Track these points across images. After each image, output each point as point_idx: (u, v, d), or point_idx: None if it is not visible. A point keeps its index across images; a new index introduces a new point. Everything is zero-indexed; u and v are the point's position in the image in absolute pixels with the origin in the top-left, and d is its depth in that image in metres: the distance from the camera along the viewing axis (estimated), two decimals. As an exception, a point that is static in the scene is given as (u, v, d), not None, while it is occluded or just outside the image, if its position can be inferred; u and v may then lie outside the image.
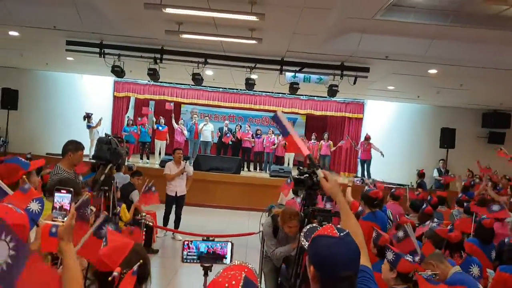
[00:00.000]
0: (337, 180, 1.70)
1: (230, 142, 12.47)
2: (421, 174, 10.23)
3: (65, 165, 4.04)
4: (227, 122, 13.24)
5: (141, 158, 11.85)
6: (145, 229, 5.43)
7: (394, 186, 7.82)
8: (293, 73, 8.14)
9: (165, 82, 12.73)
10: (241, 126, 12.98)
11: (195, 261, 2.16)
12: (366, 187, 4.97)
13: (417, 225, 4.63)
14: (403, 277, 2.41)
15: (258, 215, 5.31)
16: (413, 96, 10.69)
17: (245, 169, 12.23)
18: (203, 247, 2.13)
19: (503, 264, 3.28)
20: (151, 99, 13.99)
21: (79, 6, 5.89)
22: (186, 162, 7.08)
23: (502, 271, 3.13)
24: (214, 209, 9.75)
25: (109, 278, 1.31)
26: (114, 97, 13.38)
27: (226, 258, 2.20)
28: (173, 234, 7.01)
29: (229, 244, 2.22)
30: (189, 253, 2.14)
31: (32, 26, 6.72)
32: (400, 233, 3.70)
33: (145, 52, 7.74)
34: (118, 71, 7.95)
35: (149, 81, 12.45)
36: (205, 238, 2.20)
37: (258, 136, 12.52)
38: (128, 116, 12.95)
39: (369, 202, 4.11)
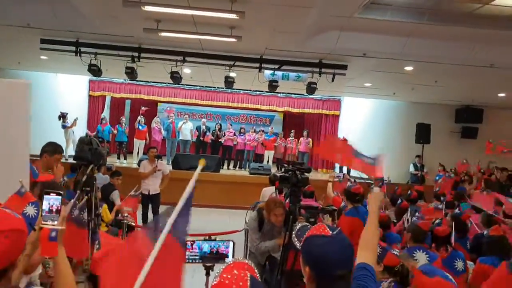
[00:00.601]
0: (380, 195, 1.80)
1: (210, 141, 12.41)
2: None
3: (39, 166, 3.90)
4: (204, 120, 13.14)
5: (118, 158, 11.61)
6: (127, 229, 5.34)
7: (372, 182, 7.98)
8: (271, 71, 8.17)
9: (142, 81, 12.50)
10: (221, 125, 12.93)
11: (197, 261, 2.14)
12: (349, 183, 5.05)
13: (394, 221, 4.76)
14: (389, 270, 2.48)
15: (239, 213, 5.31)
16: (389, 92, 10.94)
17: (225, 167, 12.20)
18: (206, 247, 2.11)
19: (481, 256, 3.41)
20: (128, 98, 13.72)
21: (54, 3, 5.71)
22: (158, 160, 7.04)
23: (481, 263, 3.25)
24: (193, 208, 9.64)
25: None
26: (90, 96, 13.02)
27: (228, 257, 2.19)
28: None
29: (231, 243, 2.21)
30: (191, 254, 2.12)
31: (4, 23, 6.46)
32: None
33: (122, 51, 7.59)
34: (95, 70, 7.76)
35: (125, 79, 12.22)
36: (207, 238, 2.18)
37: (242, 134, 12.52)
38: (104, 116, 12.64)
39: (351, 198, 4.18)
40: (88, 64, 7.67)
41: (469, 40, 6.27)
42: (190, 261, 2.15)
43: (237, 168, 12.47)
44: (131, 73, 7.91)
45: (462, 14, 5.51)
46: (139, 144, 11.63)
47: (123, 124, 11.83)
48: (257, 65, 7.93)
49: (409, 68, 7.79)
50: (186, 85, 12.72)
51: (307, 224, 1.79)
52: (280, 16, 5.46)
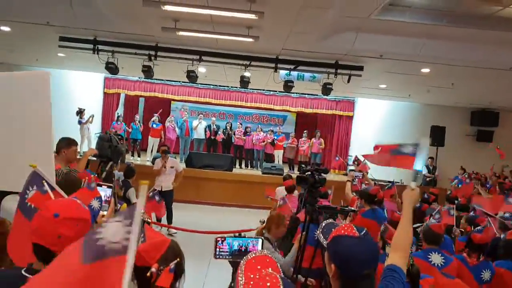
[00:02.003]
0: (415, 193, 1.74)
1: (221, 140, 12.47)
2: None
3: (59, 163, 3.98)
4: (214, 119, 13.19)
5: (132, 155, 11.76)
6: (142, 226, 5.42)
7: (385, 183, 7.94)
8: (287, 71, 8.18)
9: (156, 79, 12.62)
10: (231, 124, 12.97)
11: (227, 257, 2.18)
12: (363, 185, 5.04)
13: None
14: None
15: (253, 212, 5.33)
16: (404, 94, 10.85)
17: (237, 166, 12.25)
18: (236, 245, 2.14)
19: (498, 259, 3.39)
20: (142, 96, 13.87)
21: (73, 1, 5.80)
22: (167, 156, 7.11)
23: (497, 267, 3.24)
24: (206, 205, 9.74)
25: (147, 274, 1.32)
26: (104, 93, 13.21)
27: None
28: (168, 229, 7.01)
29: (260, 240, 2.24)
30: (221, 250, 2.16)
31: (25, 21, 6.59)
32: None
33: (139, 49, 7.68)
34: (112, 68, 7.87)
35: (140, 77, 12.36)
36: (236, 235, 2.21)
37: (248, 134, 12.55)
38: (119, 113, 12.81)
39: (368, 199, 4.18)
40: (105, 62, 7.78)
41: (487, 42, 6.20)
42: (221, 257, 2.18)
43: (249, 167, 12.51)
44: (147, 72, 8.00)
45: (481, 16, 5.44)
46: (153, 142, 11.75)
47: (138, 122, 11.97)
48: (273, 65, 7.94)
49: (425, 70, 7.73)
50: (200, 84, 12.80)
51: (333, 221, 1.81)
52: (298, 16, 5.47)
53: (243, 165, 12.58)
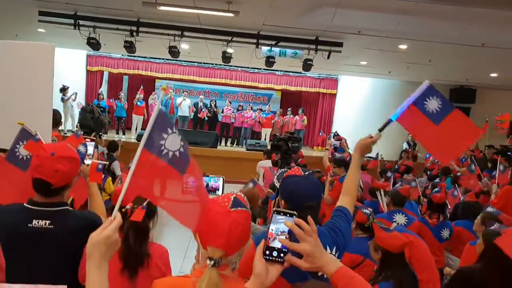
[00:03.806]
0: (368, 144, 1.76)
1: (206, 118, 12.55)
2: None
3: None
4: (201, 97, 13.25)
5: (117, 133, 11.79)
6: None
7: (365, 159, 8.24)
8: (269, 47, 8.27)
9: (140, 56, 12.56)
10: (216, 102, 13.04)
11: None
12: (336, 154, 5.28)
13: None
14: (361, 226, 2.78)
15: (236, 187, 5.53)
16: (384, 71, 11.05)
17: (222, 143, 12.41)
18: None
19: (457, 219, 3.69)
20: (125, 74, 13.78)
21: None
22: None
23: (456, 226, 3.53)
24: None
25: (123, 210, 1.51)
26: (87, 71, 13.09)
27: (218, 190, 2.45)
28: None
29: (221, 178, 2.46)
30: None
31: (2, -6, 6.52)
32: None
33: (121, 24, 7.65)
34: (94, 44, 7.84)
35: (123, 55, 12.27)
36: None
37: (240, 110, 12.68)
38: (101, 91, 12.71)
39: (345, 166, 4.42)
40: (87, 37, 7.74)
41: (461, 19, 6.37)
42: None
43: (234, 145, 12.69)
44: (129, 47, 8.00)
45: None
46: (137, 120, 11.78)
47: (122, 99, 11.95)
48: (255, 41, 8.02)
49: (403, 47, 7.91)
50: (184, 61, 12.80)
51: (286, 169, 2.01)
52: (277, -9, 5.54)
53: (228, 143, 12.74)
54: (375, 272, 2.19)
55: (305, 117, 12.82)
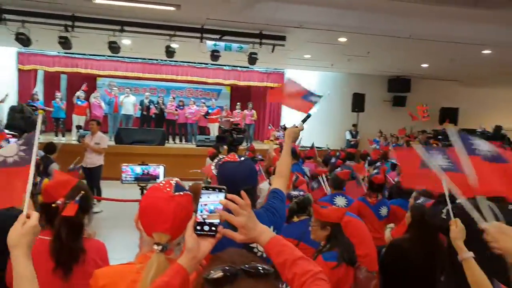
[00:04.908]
0: (296, 131, 1.98)
1: (154, 115, 12.22)
2: None
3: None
4: (147, 94, 12.84)
5: (56, 135, 11.12)
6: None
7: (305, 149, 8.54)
8: (213, 42, 8.23)
9: (78, 53, 11.92)
10: (163, 99, 12.75)
11: (132, 181, 2.37)
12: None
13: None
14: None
15: (186, 184, 5.45)
16: (327, 64, 11.43)
17: (171, 141, 12.16)
18: (138, 169, 2.33)
19: (392, 199, 3.94)
20: (63, 72, 13.01)
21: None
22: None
23: (392, 204, 3.78)
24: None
25: (53, 205, 1.44)
26: (19, 70, 12.16)
27: (158, 178, 2.43)
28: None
29: (162, 167, 2.43)
30: (127, 175, 2.32)
31: None
32: (315, 184, 4.22)
33: (53, 19, 7.21)
34: (23, 40, 7.31)
35: (59, 52, 11.57)
36: (140, 163, 2.39)
37: (181, 107, 12.45)
38: (36, 91, 11.85)
39: (294, 155, 4.54)
40: (15, 33, 7.21)
41: (399, 13, 6.74)
42: (127, 182, 2.39)
43: (183, 142, 12.48)
44: (65, 44, 7.57)
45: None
46: (78, 120, 11.17)
47: (59, 99, 11.25)
48: (199, 35, 7.93)
49: (343, 39, 8.22)
50: (127, 57, 12.34)
51: (222, 157, 2.05)
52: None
53: (177, 140, 12.51)
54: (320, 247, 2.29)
55: (254, 112, 12.91)
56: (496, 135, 7.48)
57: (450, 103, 13.00)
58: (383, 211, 3.68)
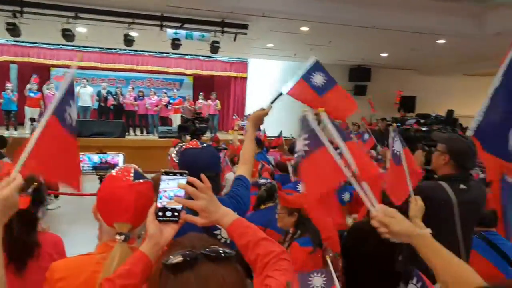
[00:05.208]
0: (259, 116, 1.89)
1: (112, 107, 11.78)
2: None
3: None
4: (104, 84, 12.34)
5: (7, 129, 10.48)
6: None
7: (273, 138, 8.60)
8: (174, 30, 8.02)
9: (30, 42, 11.25)
10: (122, 89, 12.32)
11: (90, 171, 2.27)
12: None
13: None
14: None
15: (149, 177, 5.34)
16: (290, 53, 11.48)
17: (131, 133, 11.81)
18: (96, 158, 2.25)
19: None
20: (13, 62, 12.25)
21: None
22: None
23: (353, 190, 3.89)
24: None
25: None
26: (-37, 60, 11.32)
27: (118, 166, 2.35)
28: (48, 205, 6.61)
29: (121, 155, 2.35)
30: (84, 165, 2.23)
31: None
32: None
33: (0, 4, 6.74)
34: (-35, 25, 6.80)
35: (8, 40, 10.87)
36: (98, 151, 2.29)
37: (141, 98, 12.07)
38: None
39: (259, 143, 4.54)
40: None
41: (361, 2, 6.86)
42: (85, 171, 2.30)
43: (144, 133, 12.16)
44: (13, 30, 7.12)
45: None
46: (31, 113, 10.57)
47: (10, 91, 10.59)
48: (158, 23, 7.70)
49: (305, 29, 8.28)
50: (83, 46, 11.79)
51: (184, 143, 2.01)
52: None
53: (138, 132, 12.16)
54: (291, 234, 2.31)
55: (218, 101, 12.78)
56: (449, 119, 7.87)
57: (409, 92, 13.49)
58: (346, 196, 3.75)
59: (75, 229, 4.87)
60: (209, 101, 12.65)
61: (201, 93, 13.08)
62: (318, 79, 1.99)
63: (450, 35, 8.34)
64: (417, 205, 1.56)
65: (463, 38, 8.37)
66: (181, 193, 0.97)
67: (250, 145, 1.85)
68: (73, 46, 10.99)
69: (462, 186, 2.00)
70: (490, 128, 2.77)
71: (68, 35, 7.60)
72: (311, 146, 1.11)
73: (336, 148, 1.25)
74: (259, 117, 1.89)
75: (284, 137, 8.32)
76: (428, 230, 1.10)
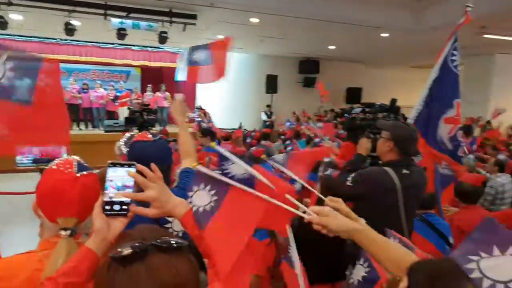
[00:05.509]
0: (177, 104, 2.01)
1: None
2: None
3: None
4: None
5: None
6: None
7: (231, 130, 8.57)
8: (120, 19, 7.68)
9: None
10: (63, 82, 11.59)
11: (30, 165, 2.11)
12: (203, 124, 5.36)
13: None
14: None
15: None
16: (241, 45, 11.46)
17: (75, 127, 11.19)
18: (35, 150, 2.09)
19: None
20: None
21: None
22: None
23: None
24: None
25: None
26: None
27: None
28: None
29: (64, 148, 2.21)
30: (23, 158, 2.06)
31: None
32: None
33: None
34: None
35: None
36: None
37: (85, 91, 11.45)
38: None
39: (212, 135, 4.49)
40: None
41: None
42: (24, 165, 2.14)
43: (89, 128, 11.56)
44: None
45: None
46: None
47: None
48: (102, 11, 7.32)
49: (255, 20, 8.27)
50: (18, 35, 10.94)
51: (134, 133, 1.94)
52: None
53: (82, 126, 11.52)
54: None
55: (167, 94, 12.46)
56: (392, 107, 8.36)
57: (355, 84, 14.02)
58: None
59: (11, 228, 4.55)
60: (158, 93, 12.31)
61: (149, 85, 12.67)
62: (199, 55, 2.56)
63: (392, 29, 8.74)
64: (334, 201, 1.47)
65: (405, 32, 8.80)
66: (130, 182, 0.92)
67: (185, 137, 1.85)
68: (7, 34, 10.16)
69: (405, 171, 2.11)
70: (426, 117, 2.97)
71: (0, 22, 7.01)
72: (219, 194, 1.03)
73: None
74: (179, 105, 1.99)
75: (233, 128, 8.34)
76: (362, 221, 1.11)
